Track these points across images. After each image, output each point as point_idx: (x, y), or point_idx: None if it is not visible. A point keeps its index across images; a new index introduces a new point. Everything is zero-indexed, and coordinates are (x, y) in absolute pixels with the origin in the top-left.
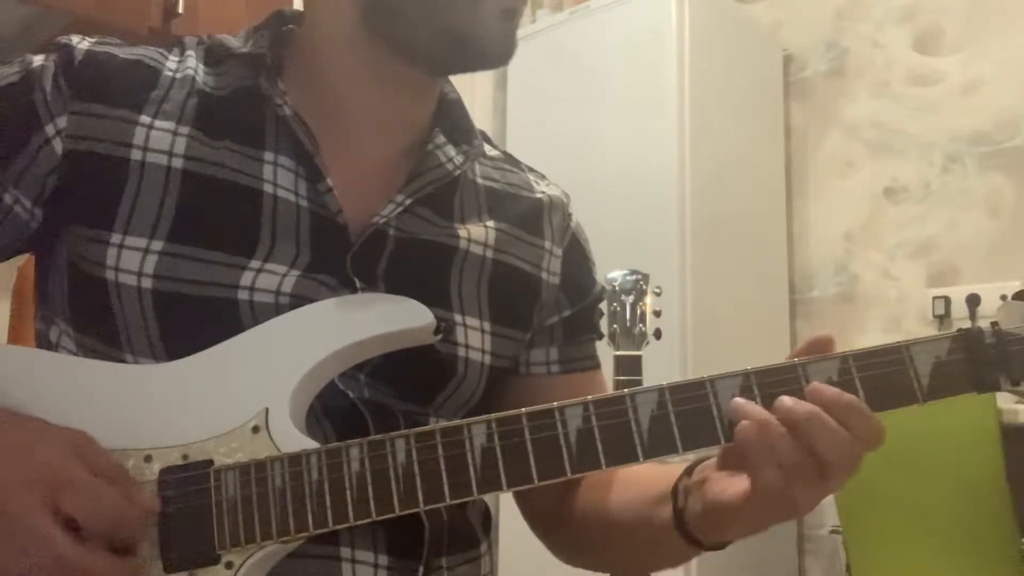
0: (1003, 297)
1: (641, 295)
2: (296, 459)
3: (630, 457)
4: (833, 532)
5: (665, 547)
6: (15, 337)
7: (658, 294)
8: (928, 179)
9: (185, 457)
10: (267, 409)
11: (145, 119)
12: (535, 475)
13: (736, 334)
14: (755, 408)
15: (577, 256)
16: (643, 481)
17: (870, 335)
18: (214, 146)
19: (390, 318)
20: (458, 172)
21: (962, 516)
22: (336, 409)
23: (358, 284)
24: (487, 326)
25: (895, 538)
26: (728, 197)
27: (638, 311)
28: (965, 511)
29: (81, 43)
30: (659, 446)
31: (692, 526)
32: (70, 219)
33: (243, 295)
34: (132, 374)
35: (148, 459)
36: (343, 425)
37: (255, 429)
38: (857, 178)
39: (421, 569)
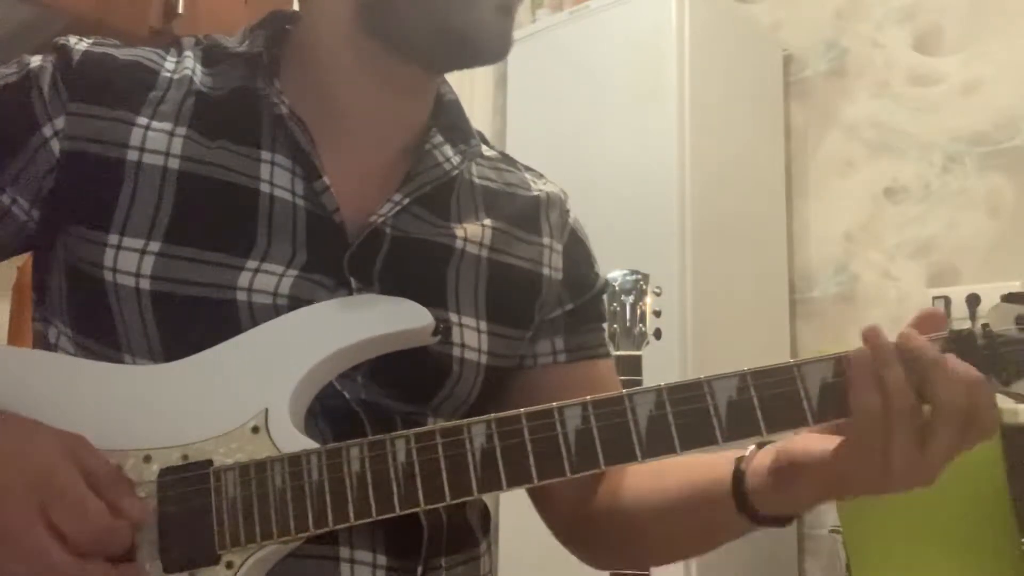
0: (1003, 297)
1: (641, 295)
2: (296, 459)
3: (629, 457)
4: (833, 532)
5: (717, 521)
6: (15, 337)
7: (658, 294)
8: (928, 179)
9: (185, 457)
10: (267, 409)
11: (142, 120)
12: (535, 475)
13: (736, 334)
14: (883, 336)
15: (578, 251)
16: (691, 464)
17: None
18: (211, 146)
19: (389, 319)
20: (455, 172)
21: (962, 516)
22: (334, 410)
23: (354, 284)
24: (483, 325)
25: (895, 538)
26: (728, 197)
27: (638, 311)
28: (965, 511)
29: (79, 44)
30: (657, 446)
31: (752, 490)
32: (68, 220)
33: (241, 296)
34: (131, 375)
35: (148, 459)
36: (340, 426)
37: (255, 429)
38: (857, 178)
39: (420, 569)
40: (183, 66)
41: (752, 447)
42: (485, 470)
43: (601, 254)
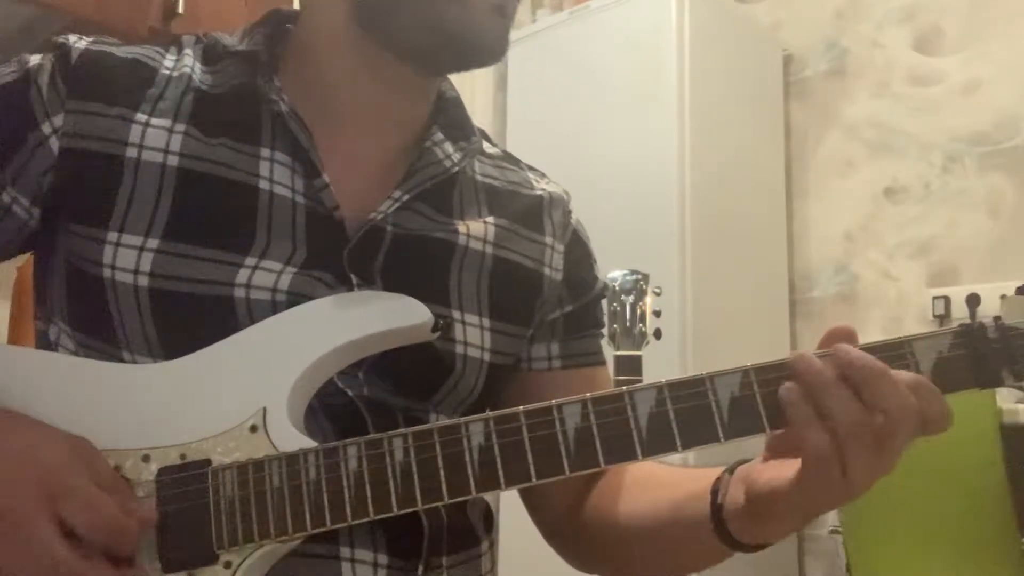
0: (1003, 297)
1: (641, 295)
2: (294, 458)
3: (629, 455)
4: (833, 532)
5: (698, 548)
6: (15, 337)
7: (658, 294)
8: (928, 179)
9: (183, 457)
10: (265, 408)
11: (141, 117)
12: (533, 474)
13: (736, 334)
14: (815, 362)
15: (579, 252)
16: (678, 481)
17: (870, 335)
18: (210, 143)
19: (388, 316)
20: (456, 169)
21: (962, 516)
22: (334, 407)
23: (354, 281)
24: (486, 323)
25: (895, 538)
26: (728, 197)
27: (638, 311)
28: (965, 511)
29: (78, 42)
30: (658, 444)
31: (732, 524)
32: (67, 217)
33: (239, 292)
34: (130, 374)
35: (146, 459)
36: (341, 423)
37: (253, 428)
38: (857, 178)
39: (421, 568)
40: (182, 64)
41: (725, 474)
42: (483, 469)
43: (601, 254)
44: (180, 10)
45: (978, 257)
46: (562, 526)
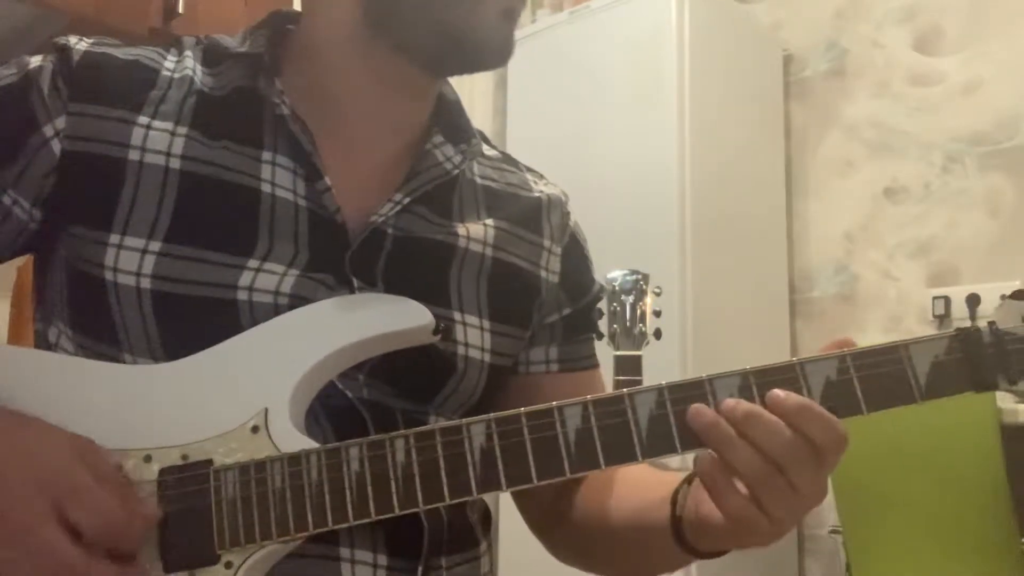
0: (1003, 297)
1: (641, 295)
2: (296, 459)
3: (629, 457)
4: (833, 532)
5: (661, 552)
6: (15, 337)
7: (658, 294)
8: (928, 179)
9: (185, 457)
10: (266, 409)
11: (143, 119)
12: (534, 475)
13: (736, 334)
14: (704, 413)
15: (576, 255)
16: (643, 485)
17: (870, 335)
18: (212, 146)
19: (390, 318)
20: (456, 171)
21: (962, 516)
22: (335, 409)
23: (355, 283)
24: (487, 324)
25: (895, 538)
26: (728, 197)
27: (638, 311)
28: (965, 511)
29: (79, 44)
30: (658, 445)
31: (689, 535)
32: (69, 220)
33: (242, 295)
34: (131, 374)
35: (148, 459)
36: (342, 425)
37: (254, 429)
38: (857, 178)
39: (420, 569)
40: (184, 66)
41: (684, 484)
42: (484, 470)
43: (601, 254)
44: (180, 10)
45: (978, 257)
46: (547, 519)
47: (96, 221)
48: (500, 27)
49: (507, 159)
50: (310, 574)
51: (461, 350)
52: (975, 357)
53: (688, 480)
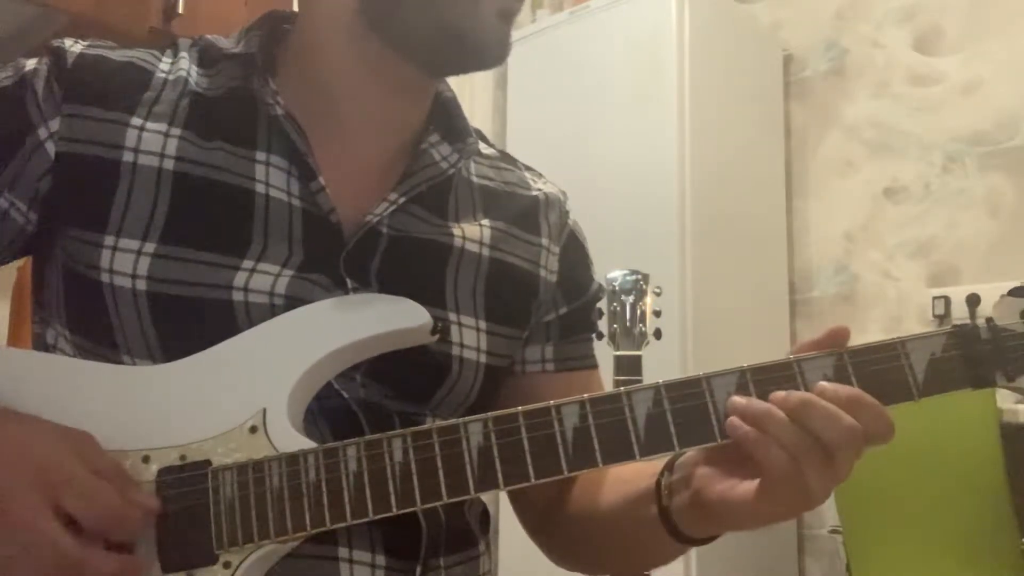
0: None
1: (641, 295)
2: (294, 459)
3: (627, 455)
4: (833, 532)
5: (654, 544)
6: (15, 338)
7: (658, 294)
8: (928, 179)
9: (183, 458)
10: (265, 409)
11: (137, 121)
12: (532, 474)
13: (736, 334)
14: (753, 402)
15: (575, 254)
16: (628, 479)
17: (870, 335)
18: (206, 147)
19: (387, 318)
20: (452, 171)
21: (962, 516)
22: (332, 409)
23: (349, 284)
24: (483, 325)
25: (895, 538)
26: (728, 197)
27: (638, 311)
28: (965, 511)
29: (74, 46)
30: (655, 444)
31: (680, 523)
32: (64, 222)
33: (237, 296)
34: (130, 375)
35: (146, 460)
36: (339, 425)
37: (253, 429)
38: (857, 178)
39: (419, 568)
40: (178, 67)
41: (664, 472)
42: (482, 469)
43: (601, 254)
44: (180, 10)
45: (978, 257)
46: (542, 522)
47: (91, 223)
48: (497, 27)
49: (505, 157)
50: (309, 574)
51: (456, 351)
52: (972, 354)
53: (668, 468)
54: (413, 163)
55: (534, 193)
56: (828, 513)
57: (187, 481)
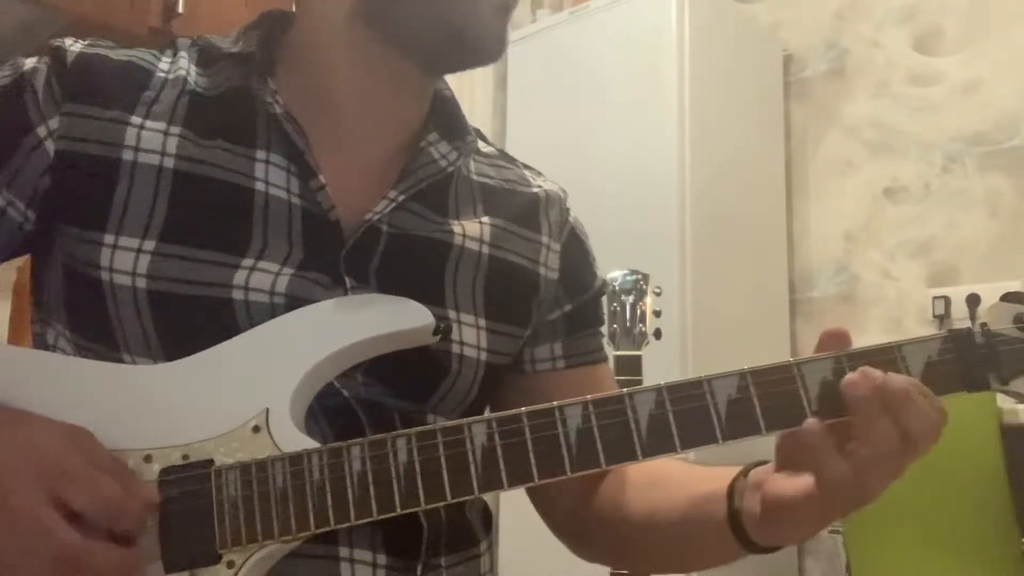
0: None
1: (641, 295)
2: (297, 459)
3: (629, 456)
4: (833, 532)
5: (716, 547)
6: (15, 337)
7: (658, 294)
8: (928, 179)
9: (185, 457)
10: (267, 409)
11: (136, 120)
12: (536, 474)
13: (736, 334)
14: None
15: (576, 250)
16: (693, 481)
17: (870, 335)
18: (205, 145)
19: (390, 318)
20: (451, 168)
21: (962, 516)
22: (333, 409)
23: (349, 283)
24: (483, 323)
25: (895, 538)
26: (728, 197)
27: (638, 311)
28: (965, 511)
29: (73, 45)
30: (657, 445)
31: (749, 528)
32: (63, 220)
33: (237, 294)
34: (132, 374)
35: (148, 459)
36: (339, 423)
37: (256, 429)
38: (857, 178)
39: (420, 568)
40: (177, 66)
41: (740, 476)
42: (486, 469)
43: (601, 254)
44: (180, 10)
45: (978, 257)
46: (572, 523)
47: (90, 221)
48: (495, 22)
49: (504, 156)
50: (310, 574)
51: (456, 349)
52: (967, 358)
53: (744, 473)
54: (412, 161)
55: (534, 191)
56: None
57: (190, 480)
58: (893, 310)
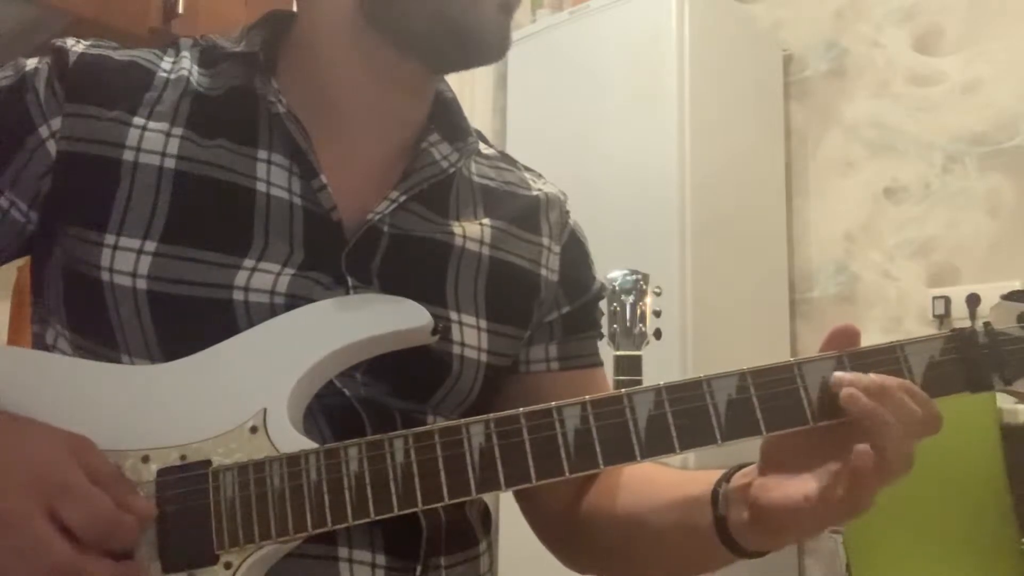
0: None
1: (641, 295)
2: (295, 459)
3: (628, 457)
4: (833, 532)
5: (703, 554)
6: (15, 337)
7: (658, 294)
8: (928, 179)
9: (183, 458)
10: (265, 409)
11: (139, 120)
12: (533, 475)
13: (736, 334)
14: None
15: (576, 253)
16: (677, 486)
17: (870, 335)
18: (207, 145)
19: (388, 318)
20: (453, 169)
21: (962, 516)
22: (333, 408)
23: (351, 282)
24: (483, 324)
25: (895, 538)
26: (728, 197)
27: (638, 311)
28: (965, 511)
29: (75, 46)
30: (656, 445)
31: (736, 534)
32: (65, 221)
33: (238, 295)
34: (130, 375)
35: (146, 460)
36: (339, 424)
37: (253, 429)
38: (857, 178)
39: (419, 568)
40: (180, 66)
41: (722, 482)
42: (483, 470)
43: (601, 254)
44: (180, 10)
45: (978, 257)
46: (559, 529)
47: (92, 222)
48: (498, 21)
49: (505, 158)
50: (309, 574)
51: (457, 350)
52: (970, 357)
53: (727, 477)
54: (414, 162)
55: (534, 193)
56: None
57: (187, 481)
58: (893, 310)
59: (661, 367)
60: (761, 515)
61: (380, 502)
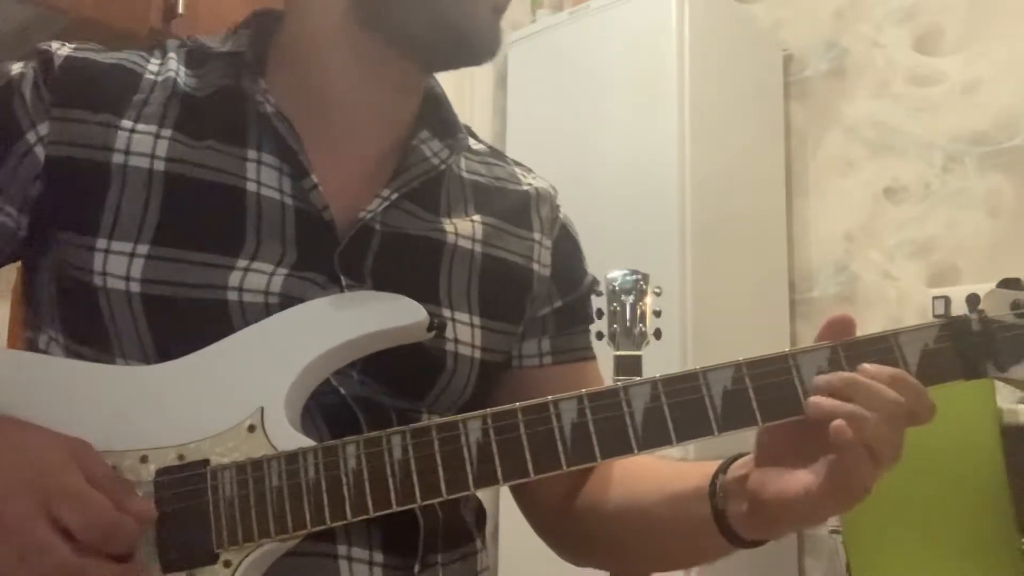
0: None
1: (641, 295)
2: (293, 457)
3: (625, 449)
4: (833, 532)
5: (703, 544)
6: (15, 338)
7: (658, 294)
8: (928, 179)
9: (181, 457)
10: (262, 408)
11: (126, 123)
12: (531, 469)
13: (736, 334)
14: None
15: (567, 247)
16: (674, 477)
17: None
18: (196, 147)
19: (384, 315)
20: (443, 166)
21: (962, 516)
22: (329, 406)
23: (344, 282)
24: (477, 320)
25: (895, 538)
26: (728, 197)
27: (638, 311)
28: (965, 511)
29: (60, 49)
30: (653, 438)
31: (736, 525)
32: (56, 225)
33: (232, 296)
34: (126, 376)
35: (144, 460)
36: (336, 422)
37: (251, 428)
38: (857, 178)
39: (417, 566)
40: (167, 68)
41: (719, 473)
42: (481, 465)
43: (601, 254)
44: (180, 10)
45: (978, 257)
46: (556, 522)
47: (83, 226)
48: (491, 22)
49: (494, 153)
50: (308, 572)
51: (451, 347)
52: (964, 345)
53: (723, 469)
54: (404, 159)
55: (524, 188)
56: None
57: (186, 481)
58: (893, 310)
59: (661, 367)
60: (760, 507)
61: (379, 499)
